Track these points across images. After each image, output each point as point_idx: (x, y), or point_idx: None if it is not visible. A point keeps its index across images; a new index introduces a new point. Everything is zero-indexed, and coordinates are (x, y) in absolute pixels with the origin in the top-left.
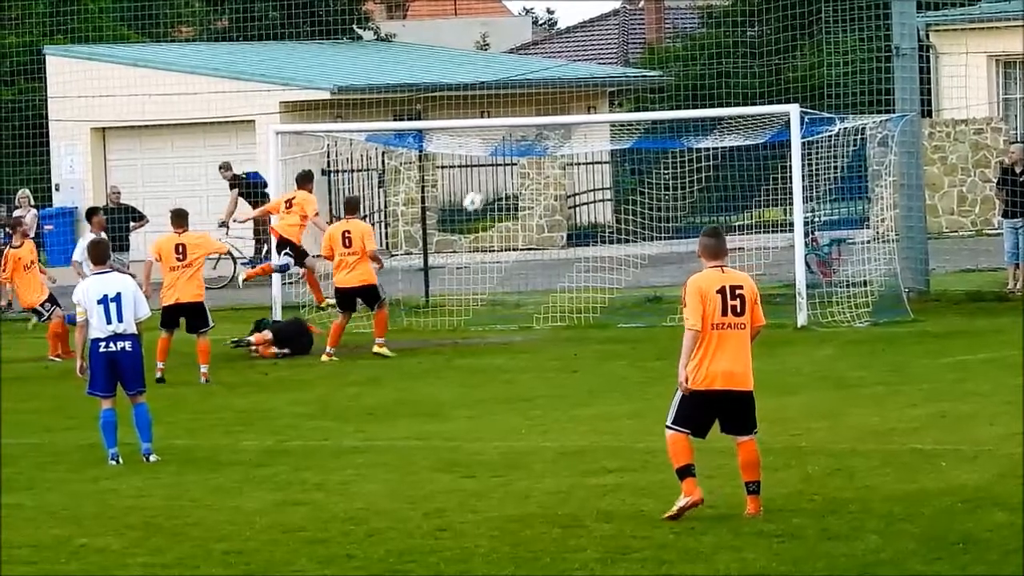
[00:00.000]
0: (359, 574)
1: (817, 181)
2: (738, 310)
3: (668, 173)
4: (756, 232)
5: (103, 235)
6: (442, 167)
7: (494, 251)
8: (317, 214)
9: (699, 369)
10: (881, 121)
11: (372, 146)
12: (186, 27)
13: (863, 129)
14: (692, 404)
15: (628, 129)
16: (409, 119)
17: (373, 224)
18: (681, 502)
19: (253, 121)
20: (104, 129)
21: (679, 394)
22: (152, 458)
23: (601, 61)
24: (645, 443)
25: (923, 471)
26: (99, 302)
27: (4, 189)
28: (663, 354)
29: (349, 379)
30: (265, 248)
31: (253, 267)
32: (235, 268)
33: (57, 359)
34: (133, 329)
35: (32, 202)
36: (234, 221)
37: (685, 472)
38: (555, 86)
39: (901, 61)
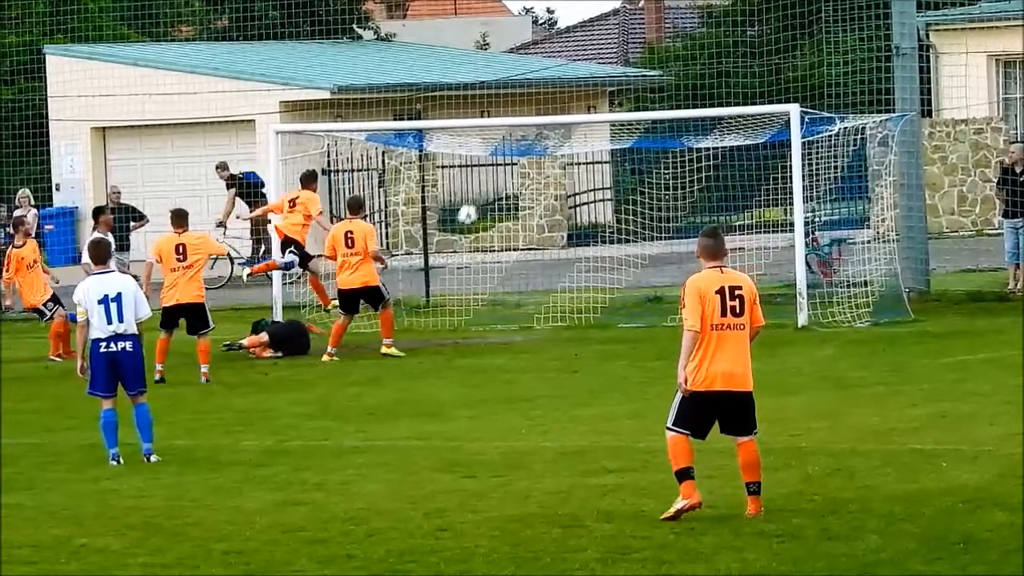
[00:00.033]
0: (359, 574)
1: (817, 181)
2: (737, 311)
3: (668, 173)
4: (756, 232)
5: (109, 235)
6: (442, 167)
7: (494, 251)
8: (321, 213)
9: (699, 370)
10: (881, 121)
11: (372, 146)
12: (186, 27)
13: (863, 129)
14: (692, 405)
15: (628, 129)
16: (409, 119)
17: (374, 224)
18: (679, 504)
19: (253, 121)
20: (104, 129)
21: (679, 395)
22: (153, 458)
23: (601, 61)
24: (645, 443)
25: (923, 471)
26: (100, 302)
27: (4, 189)
28: (663, 354)
29: (350, 379)
30: (263, 248)
31: (253, 265)
32: (232, 268)
33: (58, 359)
34: (134, 329)
35: (32, 202)
36: (237, 218)
37: (684, 475)
38: (555, 86)
39: (901, 61)
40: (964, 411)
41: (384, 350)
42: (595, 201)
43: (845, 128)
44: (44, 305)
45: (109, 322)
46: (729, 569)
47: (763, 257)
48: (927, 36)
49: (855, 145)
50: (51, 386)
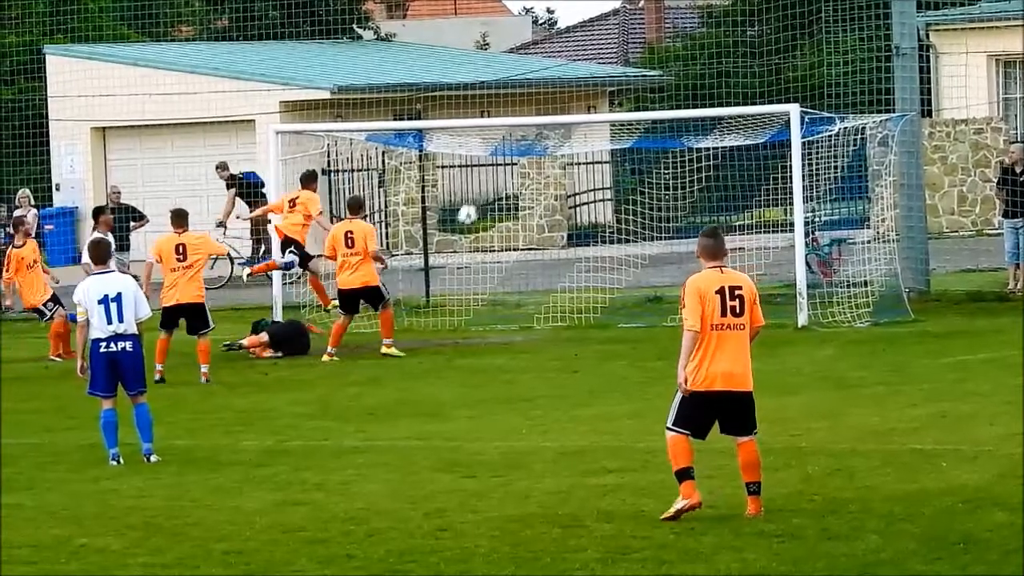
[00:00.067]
0: (359, 574)
1: (817, 181)
2: (737, 311)
3: (668, 173)
4: (756, 232)
5: (109, 235)
6: (442, 167)
7: (494, 251)
8: (321, 213)
9: (699, 370)
10: (881, 121)
11: (372, 146)
12: (186, 27)
13: (863, 129)
14: (692, 405)
15: (628, 129)
16: (409, 119)
17: (374, 224)
18: (679, 504)
19: (253, 121)
20: (104, 129)
21: (679, 395)
22: (153, 458)
23: (601, 61)
24: (646, 443)
25: (923, 471)
26: (100, 302)
27: (4, 189)
28: (664, 354)
29: (350, 379)
30: (263, 248)
31: (253, 265)
32: (232, 268)
33: (58, 359)
34: (134, 329)
35: (32, 202)
36: (237, 218)
37: (684, 475)
38: (555, 86)
39: (901, 61)
40: (964, 411)
41: (384, 350)
42: (595, 201)
43: (845, 128)
44: (44, 305)
45: (109, 322)
46: (729, 569)
47: (763, 257)
48: (927, 36)
49: (855, 145)
50: (51, 386)
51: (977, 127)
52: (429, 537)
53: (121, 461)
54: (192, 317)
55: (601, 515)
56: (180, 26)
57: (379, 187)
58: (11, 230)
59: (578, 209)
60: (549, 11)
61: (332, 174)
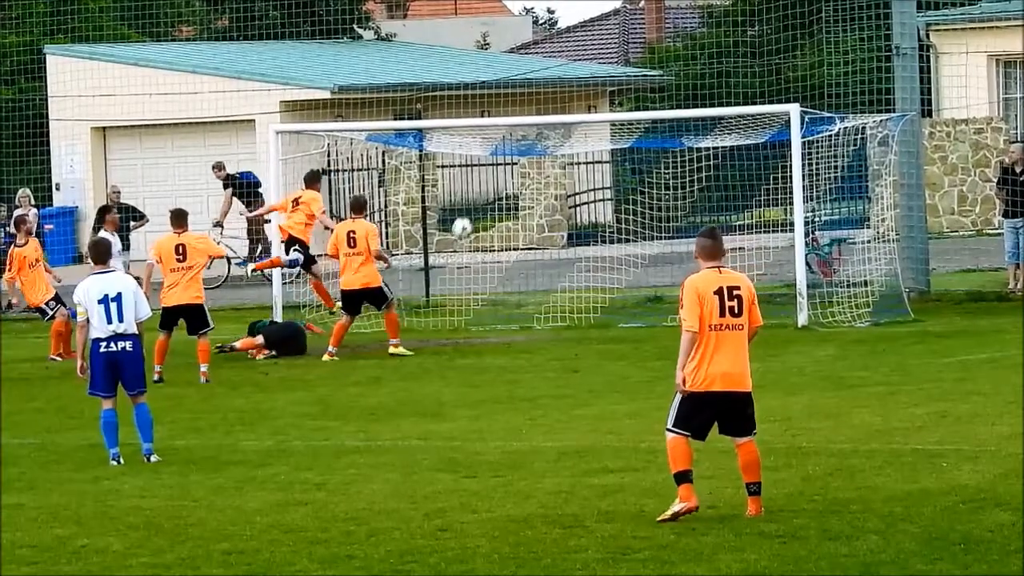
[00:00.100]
0: (360, 574)
1: (817, 181)
2: (736, 311)
3: (668, 173)
4: (756, 232)
5: (114, 234)
6: (442, 167)
7: (494, 251)
8: (324, 212)
9: (698, 371)
10: (881, 121)
11: (372, 145)
12: (187, 27)
13: (863, 129)
14: (691, 406)
15: (628, 128)
16: (409, 119)
17: (374, 224)
18: (676, 507)
19: (253, 121)
20: (104, 129)
21: (678, 396)
22: (153, 458)
23: (601, 61)
24: (647, 443)
25: (925, 471)
26: (100, 302)
27: (4, 189)
28: (664, 354)
29: (350, 379)
30: (260, 248)
31: (256, 262)
32: (230, 268)
33: (57, 358)
34: (134, 329)
35: (32, 201)
36: (240, 215)
37: (683, 477)
38: (555, 85)
39: (901, 61)
40: (965, 411)
41: (392, 350)
42: (595, 201)
43: (845, 128)
44: (47, 304)
45: (109, 322)
46: (730, 569)
47: (763, 257)
48: (927, 36)
49: (855, 145)
50: (52, 386)
51: (977, 127)
52: (430, 537)
53: (122, 461)
54: (192, 318)
55: (602, 515)
56: (181, 26)
57: (379, 187)
58: (12, 229)
59: (578, 209)
60: (549, 11)
61: (332, 174)
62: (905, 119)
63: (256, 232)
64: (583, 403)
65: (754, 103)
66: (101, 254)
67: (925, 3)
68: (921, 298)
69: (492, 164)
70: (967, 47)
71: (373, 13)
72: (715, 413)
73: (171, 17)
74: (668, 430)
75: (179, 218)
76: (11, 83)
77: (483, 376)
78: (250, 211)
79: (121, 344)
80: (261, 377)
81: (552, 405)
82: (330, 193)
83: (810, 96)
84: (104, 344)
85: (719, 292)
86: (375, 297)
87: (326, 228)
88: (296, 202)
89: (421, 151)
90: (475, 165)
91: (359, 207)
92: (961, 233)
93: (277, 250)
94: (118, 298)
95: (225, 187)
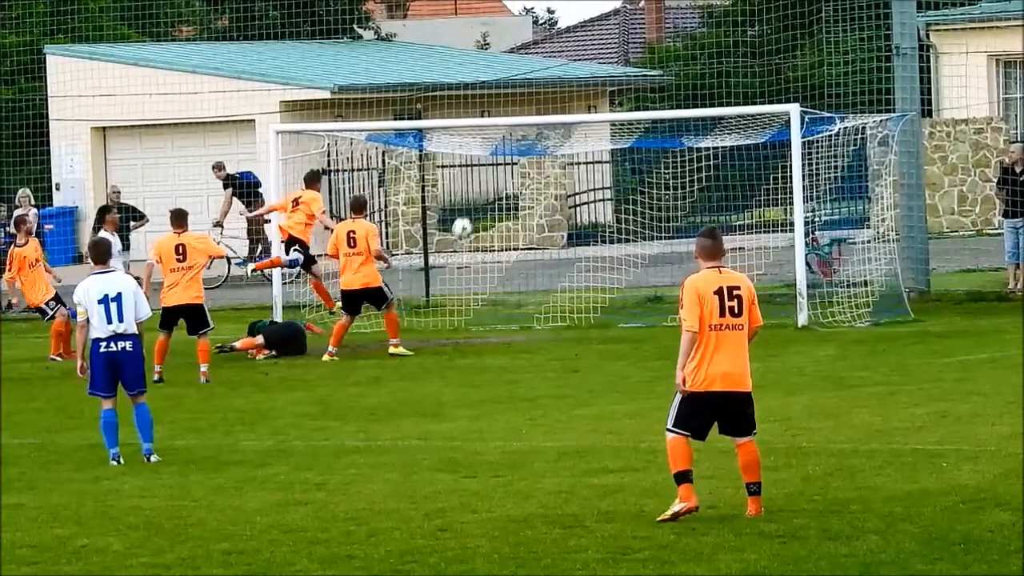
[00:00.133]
0: (360, 574)
1: (817, 181)
2: (736, 311)
3: (668, 173)
4: (756, 232)
5: (114, 234)
6: (442, 167)
7: (494, 251)
8: (324, 212)
9: (698, 371)
10: (881, 121)
11: (372, 145)
12: (187, 27)
13: (863, 129)
14: (691, 406)
15: (628, 128)
16: (409, 119)
17: (374, 224)
18: (676, 507)
19: (253, 121)
20: (104, 129)
21: (678, 396)
22: (153, 458)
23: (601, 61)
24: (647, 443)
25: (925, 471)
26: (100, 302)
27: (4, 189)
28: (664, 354)
29: (350, 379)
30: (260, 248)
31: (256, 262)
32: (229, 267)
33: (57, 358)
34: (134, 329)
35: (32, 201)
36: (240, 214)
37: (683, 478)
38: (555, 85)
39: (901, 61)
40: (965, 411)
41: (392, 350)
42: (595, 201)
43: (845, 128)
44: (47, 304)
45: (109, 322)
46: (730, 569)
47: (763, 257)
48: (927, 36)
49: (855, 145)
50: (52, 386)
51: (977, 127)
52: (430, 537)
53: (122, 461)
54: (192, 318)
55: (602, 515)
56: (181, 26)
57: (379, 187)
58: (12, 229)
59: (578, 209)
60: (549, 11)
61: (332, 174)
62: (905, 119)
63: (256, 232)
64: (583, 403)
65: (754, 103)
66: (101, 254)
67: (925, 3)
68: (921, 298)
69: (492, 164)
70: (967, 47)
71: (373, 13)
72: (715, 413)
73: (171, 17)
74: (668, 430)
75: (179, 218)
76: (11, 83)
77: (483, 376)
78: (250, 211)
79: (121, 344)
80: (261, 377)
81: (552, 405)
82: (330, 193)
83: (810, 96)
84: (104, 344)
85: (719, 292)
86: (375, 297)
87: (326, 228)
88: (296, 202)
89: (421, 151)
90: (475, 165)
91: (359, 207)
92: (961, 233)
93: (277, 250)
94: (118, 298)
95: (225, 187)
